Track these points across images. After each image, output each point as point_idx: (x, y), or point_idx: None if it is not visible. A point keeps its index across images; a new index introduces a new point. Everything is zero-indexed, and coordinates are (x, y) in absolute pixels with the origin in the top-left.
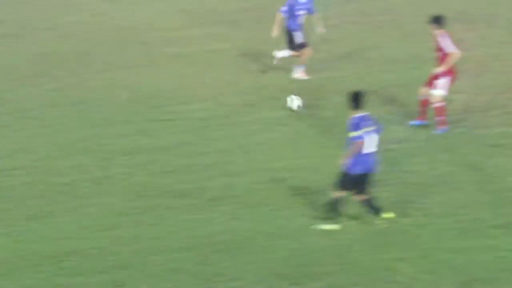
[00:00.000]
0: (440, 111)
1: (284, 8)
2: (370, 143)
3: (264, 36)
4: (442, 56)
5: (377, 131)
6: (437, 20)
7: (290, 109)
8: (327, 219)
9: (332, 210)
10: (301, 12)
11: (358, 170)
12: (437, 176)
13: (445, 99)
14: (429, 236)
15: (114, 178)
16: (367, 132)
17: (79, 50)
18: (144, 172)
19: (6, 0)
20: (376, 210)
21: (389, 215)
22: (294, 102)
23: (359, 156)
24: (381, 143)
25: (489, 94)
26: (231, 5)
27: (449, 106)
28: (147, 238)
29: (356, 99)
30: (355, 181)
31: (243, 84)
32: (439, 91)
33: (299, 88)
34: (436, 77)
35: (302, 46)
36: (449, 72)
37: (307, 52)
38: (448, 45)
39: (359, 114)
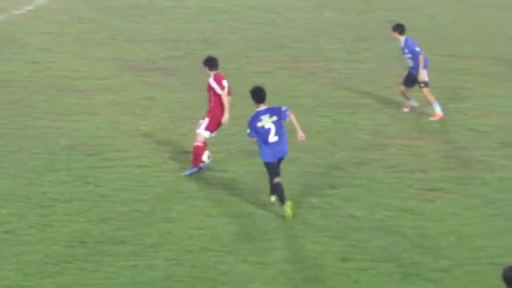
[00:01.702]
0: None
1: None
2: (273, 134)
3: (198, 83)
4: (212, 97)
5: (279, 120)
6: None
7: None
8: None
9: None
10: None
11: (268, 159)
12: (377, 220)
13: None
14: (370, 280)
15: (55, 226)
16: (265, 125)
17: (15, 98)
18: (84, 219)
19: None
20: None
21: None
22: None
23: (265, 147)
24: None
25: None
26: (164, 53)
27: (389, 149)
28: (90, 284)
29: (255, 94)
30: (272, 166)
31: (179, 131)
32: (204, 131)
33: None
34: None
35: None
36: (210, 113)
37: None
38: (217, 86)
39: (259, 109)
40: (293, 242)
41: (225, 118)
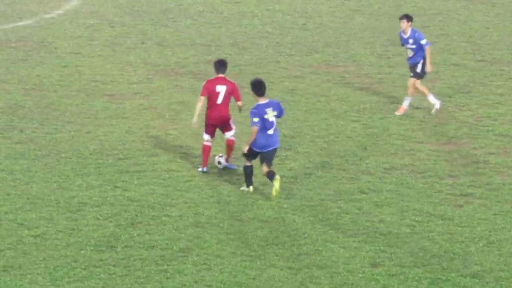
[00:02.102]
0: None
1: None
2: (273, 128)
3: None
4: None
5: (278, 116)
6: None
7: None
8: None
9: (245, 177)
10: None
11: (259, 149)
12: (407, 225)
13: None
14: (399, 286)
15: (83, 230)
16: (269, 118)
17: (45, 102)
18: (113, 224)
19: None
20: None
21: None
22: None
23: (262, 137)
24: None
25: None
26: (195, 57)
27: (419, 154)
28: None
29: (256, 87)
30: (254, 154)
31: None
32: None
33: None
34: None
35: None
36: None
37: None
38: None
39: (261, 102)
40: (322, 247)
41: (193, 121)
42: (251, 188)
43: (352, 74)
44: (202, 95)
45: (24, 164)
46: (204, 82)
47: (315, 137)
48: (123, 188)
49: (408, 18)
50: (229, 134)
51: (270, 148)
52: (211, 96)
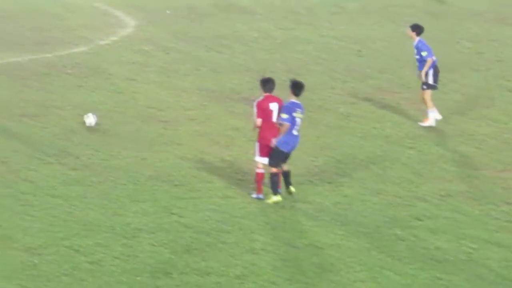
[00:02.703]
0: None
1: None
2: (297, 127)
3: None
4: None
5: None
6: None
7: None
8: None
9: (272, 185)
10: None
11: (287, 149)
12: (463, 253)
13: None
14: None
15: (139, 256)
16: (297, 117)
17: (100, 128)
18: (169, 250)
19: (25, 81)
20: (287, 183)
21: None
22: (89, 119)
23: (289, 137)
24: None
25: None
26: (250, 83)
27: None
28: None
29: (297, 87)
30: (283, 157)
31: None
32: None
33: None
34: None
35: None
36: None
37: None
38: (254, 112)
39: (294, 100)
40: (379, 274)
41: (272, 141)
42: (279, 197)
43: (406, 101)
44: (258, 116)
45: (79, 190)
46: (255, 103)
47: (370, 163)
48: (178, 215)
49: (413, 27)
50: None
51: (294, 149)
52: (266, 115)
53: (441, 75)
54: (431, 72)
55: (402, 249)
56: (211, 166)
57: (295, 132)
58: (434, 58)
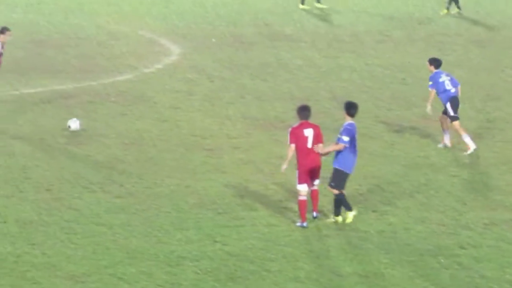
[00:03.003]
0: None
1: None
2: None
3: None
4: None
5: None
6: None
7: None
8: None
9: (341, 204)
10: None
11: (350, 171)
12: (508, 281)
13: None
14: None
15: (183, 285)
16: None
17: (145, 157)
18: (212, 278)
19: (70, 109)
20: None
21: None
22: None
23: (350, 158)
24: None
25: None
26: (294, 112)
27: None
28: None
29: (352, 108)
30: (346, 179)
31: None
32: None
33: None
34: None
35: None
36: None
37: None
38: (288, 138)
39: (351, 121)
40: None
41: (283, 167)
42: (354, 212)
43: (451, 129)
44: (291, 142)
45: (123, 218)
46: (289, 129)
47: (415, 192)
48: (222, 243)
49: (430, 61)
50: (316, 182)
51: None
52: (301, 142)
53: (486, 104)
54: (449, 105)
55: (446, 278)
56: (255, 194)
57: (354, 153)
58: (452, 90)
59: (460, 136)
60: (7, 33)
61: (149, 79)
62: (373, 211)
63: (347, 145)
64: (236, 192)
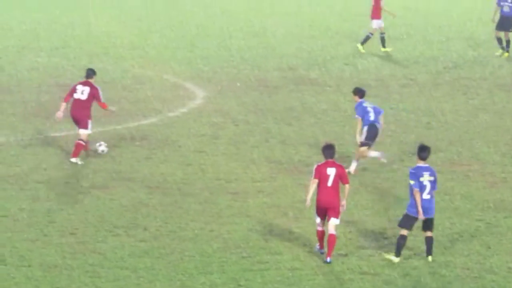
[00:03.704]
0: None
1: None
2: (428, 190)
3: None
4: None
5: (435, 181)
6: None
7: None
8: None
9: (397, 245)
10: None
11: (415, 214)
12: None
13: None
14: None
15: None
16: (425, 181)
17: (168, 201)
18: None
19: (94, 153)
20: (427, 251)
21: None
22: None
23: (414, 201)
24: None
25: None
26: (318, 156)
27: None
28: None
29: (423, 151)
30: (411, 221)
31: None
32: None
33: None
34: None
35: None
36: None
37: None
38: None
39: (420, 164)
40: None
41: (306, 203)
42: (397, 259)
43: (475, 173)
44: (314, 177)
45: (147, 262)
46: (315, 166)
47: (439, 235)
48: (246, 286)
49: (354, 91)
50: (333, 221)
51: (429, 216)
52: (322, 179)
53: (511, 148)
54: (365, 130)
55: None
56: (279, 237)
57: (425, 196)
58: (372, 118)
59: (356, 160)
60: None
61: (173, 123)
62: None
63: (417, 188)
64: (261, 235)
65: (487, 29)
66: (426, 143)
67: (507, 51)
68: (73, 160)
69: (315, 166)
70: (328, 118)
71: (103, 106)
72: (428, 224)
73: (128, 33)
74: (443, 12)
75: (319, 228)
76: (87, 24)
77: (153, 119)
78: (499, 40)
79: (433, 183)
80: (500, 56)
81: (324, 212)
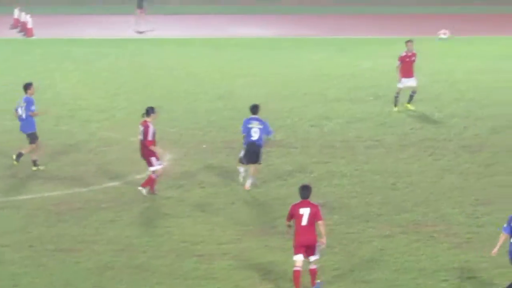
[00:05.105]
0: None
1: None
2: None
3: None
4: None
5: None
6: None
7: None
8: None
9: None
10: None
11: None
12: None
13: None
14: None
15: None
16: None
17: (134, 263)
18: None
19: (60, 216)
20: None
21: None
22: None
23: None
24: None
25: None
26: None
27: None
28: None
29: None
30: None
31: None
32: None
33: None
34: None
35: None
36: None
37: None
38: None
39: None
40: None
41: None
42: None
43: (441, 234)
44: (288, 219)
45: None
46: (290, 206)
47: None
48: None
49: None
50: (312, 259)
51: None
52: (296, 219)
53: (476, 209)
54: (245, 148)
55: None
56: None
57: None
58: (254, 138)
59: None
60: None
61: (139, 185)
62: None
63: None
64: None
65: (453, 90)
66: (392, 204)
67: None
68: (140, 188)
69: (290, 207)
70: (294, 179)
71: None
72: None
73: (94, 96)
74: None
75: (297, 269)
76: (54, 87)
77: (119, 181)
78: None
79: None
80: None
81: (303, 250)
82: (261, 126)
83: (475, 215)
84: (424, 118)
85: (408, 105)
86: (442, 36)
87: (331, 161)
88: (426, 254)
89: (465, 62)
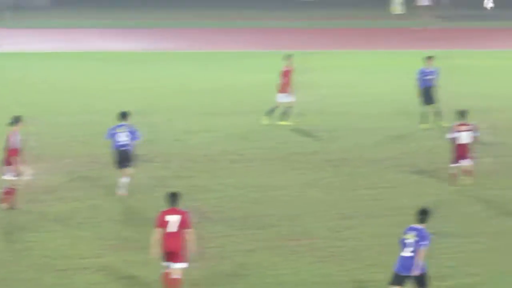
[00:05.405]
0: None
1: None
2: (408, 249)
3: None
4: None
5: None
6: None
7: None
8: None
9: None
10: None
11: (395, 269)
12: None
13: None
14: None
15: None
16: (407, 239)
17: None
18: None
19: None
20: None
21: None
22: None
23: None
24: None
25: None
26: (146, 234)
27: None
28: None
29: (422, 214)
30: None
31: None
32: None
33: None
34: None
35: None
36: None
37: None
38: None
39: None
40: None
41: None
42: None
43: (304, 248)
44: (155, 227)
45: None
46: (158, 214)
47: None
48: None
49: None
50: (176, 266)
51: (403, 274)
52: (162, 226)
53: (338, 223)
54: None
55: None
56: None
57: (404, 254)
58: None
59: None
60: None
61: None
62: None
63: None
64: None
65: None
66: (255, 219)
67: None
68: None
69: (158, 214)
70: (156, 193)
71: None
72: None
73: None
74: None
75: (164, 271)
76: None
77: None
78: None
79: (416, 244)
80: None
81: (167, 256)
82: (127, 131)
83: (337, 229)
84: (290, 132)
85: (282, 122)
86: (491, 4)
87: (195, 176)
88: (288, 268)
89: (331, 76)
